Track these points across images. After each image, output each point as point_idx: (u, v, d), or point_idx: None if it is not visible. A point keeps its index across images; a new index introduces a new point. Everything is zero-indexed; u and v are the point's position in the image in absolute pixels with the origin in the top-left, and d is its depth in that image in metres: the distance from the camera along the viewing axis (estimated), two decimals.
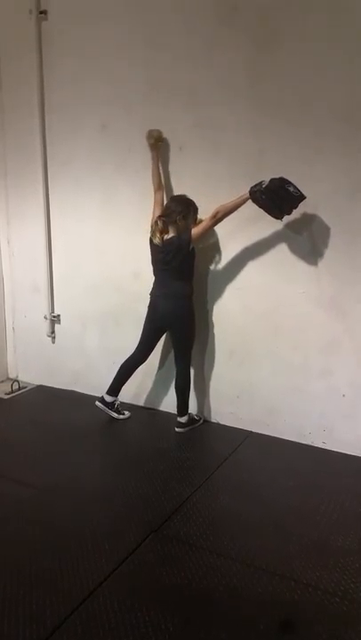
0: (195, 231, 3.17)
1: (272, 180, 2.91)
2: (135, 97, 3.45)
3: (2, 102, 3.98)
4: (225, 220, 3.13)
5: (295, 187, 2.89)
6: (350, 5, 2.78)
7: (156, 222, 3.24)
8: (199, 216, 3.26)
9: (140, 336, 3.50)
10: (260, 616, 1.95)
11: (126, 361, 3.55)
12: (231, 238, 3.33)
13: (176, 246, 3.18)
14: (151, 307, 3.42)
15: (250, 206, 3.20)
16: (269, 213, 2.99)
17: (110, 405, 3.61)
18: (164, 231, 3.23)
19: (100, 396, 3.67)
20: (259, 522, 2.53)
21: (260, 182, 2.94)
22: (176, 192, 3.35)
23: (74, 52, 3.62)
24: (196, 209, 3.24)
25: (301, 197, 2.91)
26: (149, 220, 3.31)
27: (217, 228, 3.30)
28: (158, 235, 3.24)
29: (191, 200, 3.23)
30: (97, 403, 3.61)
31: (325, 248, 3.08)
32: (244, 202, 3.02)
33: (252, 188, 2.96)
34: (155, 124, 3.37)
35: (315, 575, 2.15)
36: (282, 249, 3.19)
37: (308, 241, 3.11)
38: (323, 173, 3.00)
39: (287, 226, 3.14)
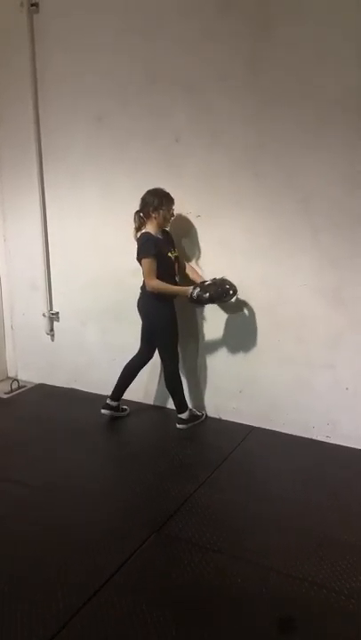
0: (145, 264, 3.14)
1: (216, 291, 3.11)
2: (131, 87, 3.39)
3: None
4: (226, 213, 3.12)
5: (232, 295, 3.17)
6: None
7: (134, 218, 3.25)
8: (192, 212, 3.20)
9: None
10: (265, 615, 1.91)
11: (129, 362, 3.52)
12: (231, 233, 3.28)
13: (140, 244, 3.17)
14: None
15: (249, 202, 3.17)
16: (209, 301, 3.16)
17: (115, 409, 3.57)
18: (141, 225, 3.23)
19: (100, 393, 3.65)
20: (263, 519, 2.49)
21: (205, 292, 3.09)
22: (174, 184, 3.29)
23: (67, 44, 3.56)
24: (170, 200, 3.20)
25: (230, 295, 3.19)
26: None
27: (217, 223, 3.29)
28: (134, 231, 3.26)
29: (166, 192, 3.19)
30: (102, 410, 3.54)
31: (327, 239, 3.02)
32: (180, 295, 3.19)
33: (196, 295, 3.09)
34: (151, 114, 3.33)
35: (320, 573, 2.11)
36: (283, 240, 3.14)
37: (310, 232, 3.05)
38: (323, 162, 2.93)
39: (287, 217, 3.08)
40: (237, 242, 3.27)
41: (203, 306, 3.22)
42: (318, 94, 2.88)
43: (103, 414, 3.54)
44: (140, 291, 3.34)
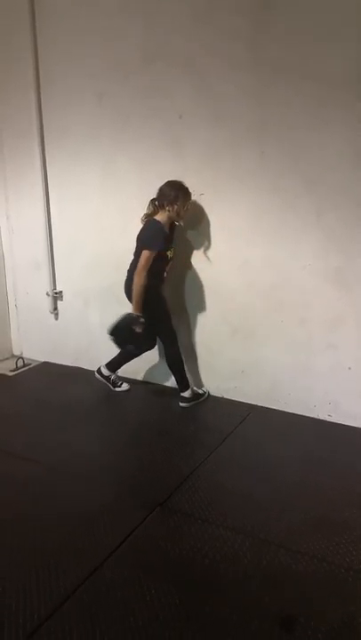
0: (144, 257, 3.14)
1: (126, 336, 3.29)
2: (132, 65, 3.34)
3: None
4: (230, 193, 3.16)
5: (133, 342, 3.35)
6: None
7: (148, 205, 3.24)
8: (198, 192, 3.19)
9: None
10: (265, 588, 1.95)
11: None
12: (234, 213, 3.26)
13: (148, 233, 3.18)
14: None
15: (253, 181, 3.14)
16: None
17: (107, 379, 3.67)
18: (153, 213, 3.21)
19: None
20: (264, 495, 2.54)
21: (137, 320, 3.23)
22: (176, 162, 3.28)
23: (68, 19, 3.50)
24: (187, 196, 3.18)
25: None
26: (149, 194, 3.25)
27: (220, 201, 3.27)
28: (144, 216, 3.25)
29: (185, 187, 3.17)
30: (96, 374, 3.70)
31: (331, 220, 3.00)
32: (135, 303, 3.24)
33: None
34: (152, 91, 3.30)
35: (320, 548, 2.15)
36: (286, 221, 3.12)
37: (313, 213, 3.03)
38: (327, 142, 2.91)
39: (291, 197, 3.07)
40: (240, 220, 3.26)
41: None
42: (318, 75, 2.83)
43: (96, 377, 3.69)
44: (127, 273, 3.35)
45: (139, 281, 3.18)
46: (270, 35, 2.91)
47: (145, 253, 3.15)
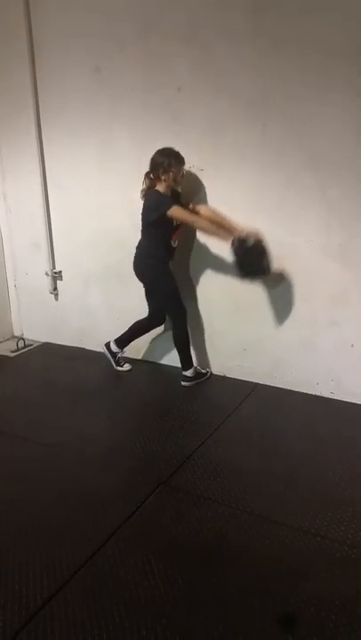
0: (176, 212, 3.03)
1: (255, 247, 2.95)
2: (130, 37, 3.24)
3: None
4: (230, 168, 3.08)
5: (269, 262, 3.00)
6: None
7: (143, 179, 3.16)
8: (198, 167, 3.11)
9: None
10: (268, 566, 1.96)
11: (139, 320, 3.54)
12: (235, 189, 3.19)
13: (151, 202, 3.10)
14: None
15: (254, 156, 3.07)
16: (237, 267, 3.05)
17: (113, 355, 3.64)
18: (152, 186, 3.14)
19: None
20: (266, 473, 2.53)
21: (246, 240, 2.94)
22: (176, 137, 3.19)
23: None
24: (180, 161, 3.08)
25: (264, 274, 3.07)
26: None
27: (221, 177, 3.20)
28: (142, 192, 3.18)
29: (176, 152, 3.08)
30: (103, 346, 3.66)
31: (333, 195, 2.94)
32: (220, 239, 3.05)
33: (236, 242, 2.96)
34: (151, 63, 3.20)
35: (322, 525, 2.15)
36: (288, 196, 3.06)
37: (316, 187, 2.97)
38: (331, 116, 2.83)
39: (293, 173, 3.00)
40: (241, 197, 3.19)
41: (238, 256, 3.00)
42: (320, 47, 2.74)
43: (102, 349, 3.66)
44: (135, 250, 3.32)
45: (200, 226, 3.13)
46: (270, 6, 2.81)
47: (172, 211, 3.02)
